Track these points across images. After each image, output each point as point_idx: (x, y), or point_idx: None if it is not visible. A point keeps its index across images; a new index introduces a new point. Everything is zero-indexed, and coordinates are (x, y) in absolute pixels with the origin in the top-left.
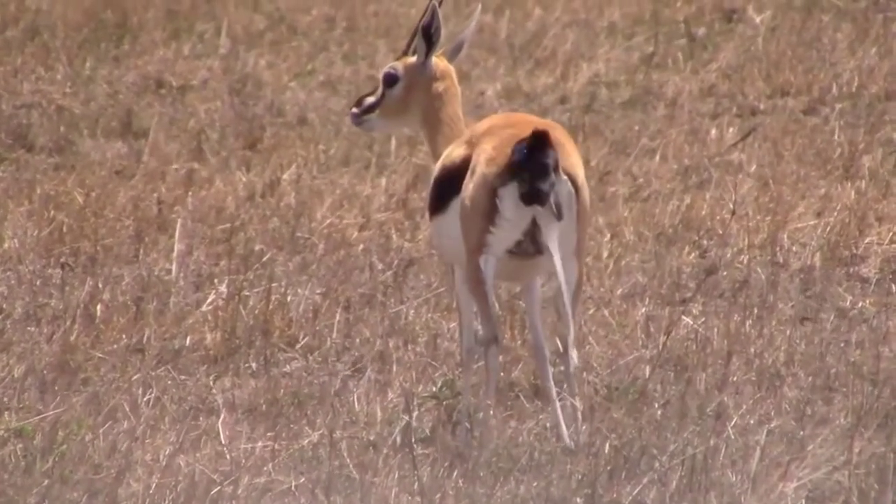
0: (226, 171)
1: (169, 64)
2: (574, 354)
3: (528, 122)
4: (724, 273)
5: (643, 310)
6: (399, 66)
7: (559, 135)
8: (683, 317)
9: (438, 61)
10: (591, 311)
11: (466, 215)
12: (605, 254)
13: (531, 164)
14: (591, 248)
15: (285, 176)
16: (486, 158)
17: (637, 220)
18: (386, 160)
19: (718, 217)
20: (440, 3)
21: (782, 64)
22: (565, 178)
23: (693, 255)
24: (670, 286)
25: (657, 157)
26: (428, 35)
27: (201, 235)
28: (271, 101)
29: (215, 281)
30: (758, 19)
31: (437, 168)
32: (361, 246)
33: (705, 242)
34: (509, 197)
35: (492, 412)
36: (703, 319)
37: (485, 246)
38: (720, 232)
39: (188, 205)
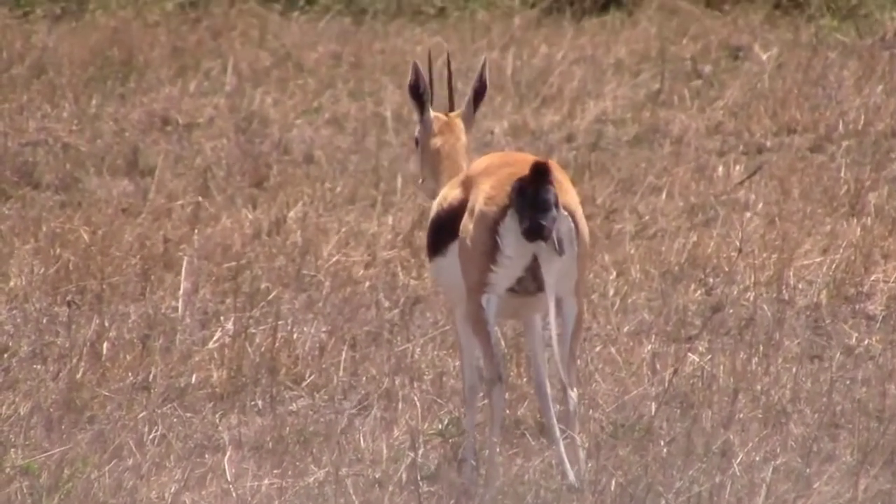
0: (232, 208)
1: (175, 101)
2: (574, 394)
3: (523, 161)
4: (731, 310)
5: (649, 347)
6: (416, 130)
7: (556, 171)
8: (689, 354)
9: (439, 116)
10: (597, 349)
11: (467, 255)
12: (612, 291)
13: (532, 199)
14: (597, 285)
15: (291, 213)
16: (486, 197)
17: (643, 257)
18: (392, 198)
19: (725, 255)
20: (430, 61)
21: (789, 101)
22: (565, 213)
23: (699, 292)
24: (676, 324)
25: (663, 195)
26: (416, 94)
27: (207, 273)
28: (278, 139)
29: (221, 318)
30: (764, 57)
31: (433, 211)
32: (367, 284)
33: (711, 280)
34: (511, 234)
35: (497, 450)
36: (709, 357)
37: (486, 285)
38: (726, 269)
39: (194, 242)
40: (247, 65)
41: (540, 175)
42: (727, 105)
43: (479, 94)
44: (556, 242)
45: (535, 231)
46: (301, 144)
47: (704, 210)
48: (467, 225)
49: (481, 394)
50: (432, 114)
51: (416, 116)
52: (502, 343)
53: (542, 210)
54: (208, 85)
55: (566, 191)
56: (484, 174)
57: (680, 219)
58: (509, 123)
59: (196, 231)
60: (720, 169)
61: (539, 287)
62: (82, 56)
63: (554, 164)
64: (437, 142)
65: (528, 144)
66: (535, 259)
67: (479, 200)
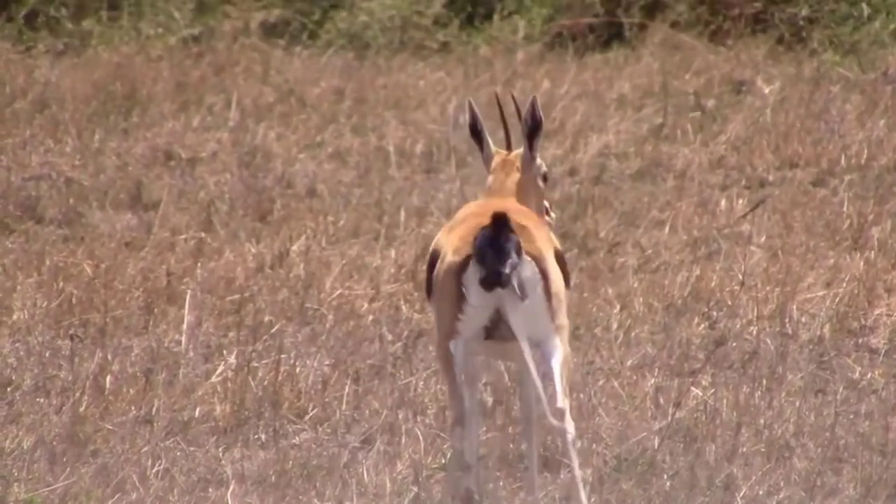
0: (235, 242)
1: (178, 136)
2: (570, 427)
3: (492, 210)
4: (734, 344)
5: (652, 381)
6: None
7: (523, 218)
8: (693, 388)
9: (501, 153)
10: (600, 382)
11: (438, 301)
12: (615, 325)
13: (491, 248)
14: (600, 318)
15: (294, 247)
16: (454, 248)
17: (646, 291)
18: (395, 231)
19: (728, 288)
20: (472, 107)
21: (791, 136)
22: (529, 259)
23: (702, 326)
24: (680, 357)
25: (666, 229)
26: (475, 132)
27: (211, 307)
28: (281, 173)
29: (224, 352)
30: (767, 91)
31: (430, 252)
32: (371, 317)
33: (715, 314)
34: (472, 283)
35: (501, 483)
36: (712, 391)
37: (455, 332)
38: (729, 303)
39: (197, 276)
40: (250, 100)
41: (499, 224)
42: (730, 139)
43: (533, 131)
44: (516, 288)
45: (491, 280)
46: (304, 179)
47: (707, 244)
48: (439, 272)
49: (483, 427)
50: (493, 149)
51: (482, 153)
52: (506, 377)
53: (500, 259)
54: (211, 120)
55: (532, 237)
56: (459, 222)
57: (683, 252)
58: None
59: (199, 265)
60: (723, 203)
61: (513, 334)
62: (85, 91)
63: (526, 212)
64: (489, 179)
65: None
66: (500, 307)
67: (449, 250)
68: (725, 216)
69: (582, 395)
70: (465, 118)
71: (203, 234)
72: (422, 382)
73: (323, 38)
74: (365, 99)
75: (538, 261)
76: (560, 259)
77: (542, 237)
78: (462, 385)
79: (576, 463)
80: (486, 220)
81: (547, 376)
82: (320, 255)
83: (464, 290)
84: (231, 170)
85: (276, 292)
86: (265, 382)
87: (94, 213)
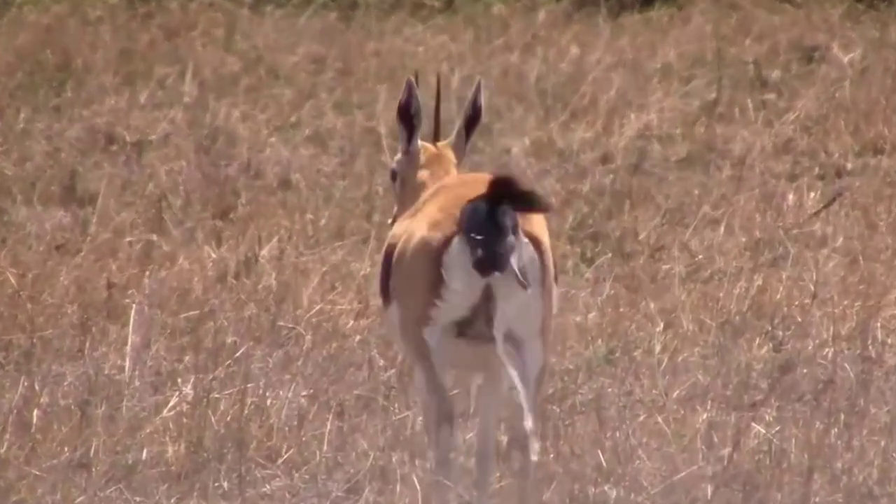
0: (191, 245)
1: (122, 115)
2: (535, 449)
3: (481, 182)
4: (804, 371)
5: (704, 416)
6: (395, 161)
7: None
8: (754, 424)
9: (427, 147)
10: (640, 418)
11: (405, 288)
12: (658, 347)
13: (487, 224)
14: (640, 340)
15: (264, 252)
16: (430, 222)
17: (697, 305)
18: (387, 232)
19: (797, 302)
20: (416, 78)
21: (874, 114)
22: (526, 240)
23: (766, 348)
24: (737, 387)
25: (721, 229)
26: (407, 117)
27: (161, 325)
28: (247, 160)
29: (178, 381)
30: (845, 59)
31: (383, 249)
32: (358, 338)
33: (781, 333)
34: (458, 265)
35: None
36: (777, 427)
37: (428, 318)
38: (799, 320)
39: (145, 287)
40: (210, 71)
41: (498, 194)
42: (799, 118)
43: (472, 121)
44: (517, 273)
45: (489, 261)
46: (276, 167)
47: (772, 247)
48: (405, 253)
49: (497, 473)
50: (420, 143)
51: (399, 144)
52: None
53: (498, 236)
54: (163, 95)
55: (528, 217)
56: (432, 197)
57: (742, 258)
58: (532, 141)
59: (147, 273)
60: (791, 197)
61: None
62: (8, 60)
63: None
64: (423, 175)
65: (554, 167)
66: (486, 296)
67: (422, 226)
68: (794, 213)
69: (618, 434)
70: (469, 94)
71: (152, 236)
72: (419, 418)
73: None
74: (351, 70)
75: (536, 242)
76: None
77: (536, 216)
78: (443, 375)
79: (530, 489)
80: (471, 193)
81: (523, 381)
82: (296, 262)
83: (443, 272)
84: (186, 156)
85: (242, 307)
86: (228, 417)
87: (18, 209)
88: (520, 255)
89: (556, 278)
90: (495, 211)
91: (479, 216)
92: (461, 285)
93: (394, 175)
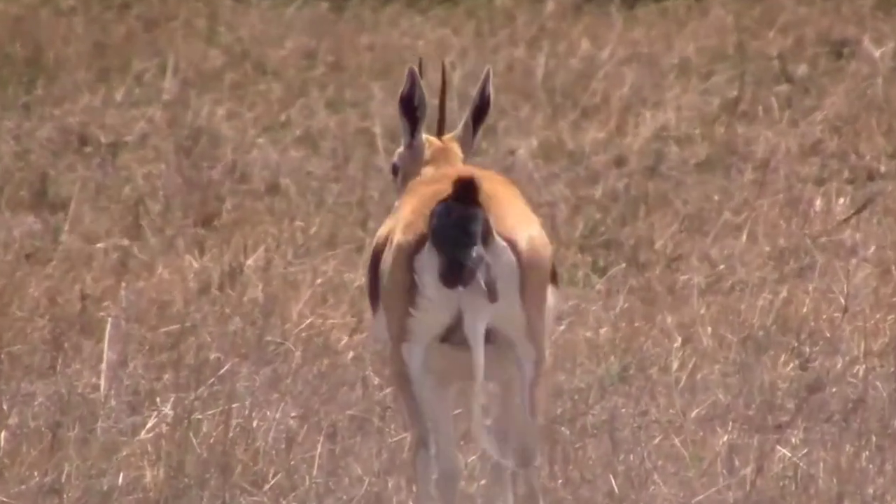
0: (171, 254)
1: (96, 114)
2: (535, 464)
3: (468, 173)
4: (833, 390)
5: (725, 438)
6: (397, 155)
7: (495, 186)
8: (778, 447)
9: (432, 140)
10: (656, 440)
11: (386, 295)
12: (675, 364)
13: (453, 231)
14: (656, 356)
15: (250, 261)
16: (405, 224)
17: (717, 319)
18: None
19: (825, 316)
20: (421, 68)
21: None
22: (503, 244)
23: (791, 365)
24: (761, 407)
25: (743, 237)
26: (410, 109)
27: (139, 340)
28: (232, 163)
29: (157, 400)
30: (876, 54)
31: (371, 250)
32: (351, 354)
33: (808, 349)
34: (427, 273)
35: None
36: (804, 450)
37: (407, 332)
38: (827, 335)
39: (121, 300)
40: (192, 65)
41: (464, 195)
42: (827, 118)
43: (480, 113)
44: (483, 285)
45: (452, 275)
46: (263, 170)
47: (798, 256)
48: (386, 257)
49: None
50: (424, 137)
51: (402, 138)
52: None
53: (462, 245)
54: (140, 92)
55: (504, 212)
56: (411, 193)
57: (765, 268)
58: (539, 141)
59: (124, 284)
60: (818, 202)
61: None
62: None
63: (496, 178)
64: (428, 172)
65: (564, 170)
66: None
67: (399, 227)
68: (822, 220)
69: (632, 457)
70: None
71: (129, 244)
72: None
73: None
74: (344, 65)
75: (513, 244)
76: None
77: (516, 211)
78: (423, 401)
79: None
80: (448, 188)
81: (521, 389)
82: (284, 272)
83: (416, 278)
84: (166, 158)
85: (226, 321)
86: (211, 440)
87: None
88: (491, 265)
89: (554, 277)
90: (463, 215)
91: (445, 221)
92: (432, 293)
93: (395, 170)
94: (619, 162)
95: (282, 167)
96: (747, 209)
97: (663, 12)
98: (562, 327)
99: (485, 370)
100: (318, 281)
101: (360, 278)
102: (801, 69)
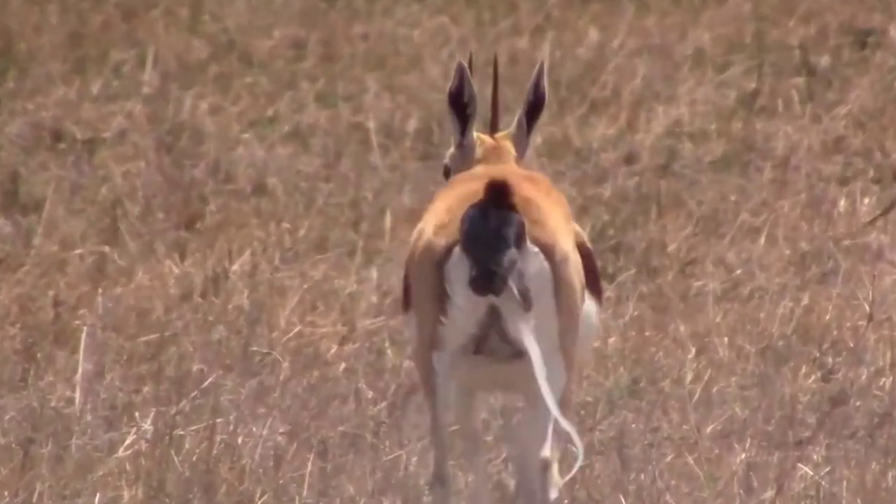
0: (151, 259)
1: (71, 108)
2: (556, 478)
3: (503, 174)
4: (858, 403)
5: (743, 455)
6: (448, 155)
7: (531, 189)
8: (800, 465)
9: (484, 139)
10: (668, 458)
11: (416, 299)
12: (689, 377)
13: (485, 236)
14: (668, 367)
15: (235, 267)
16: (436, 224)
17: (734, 328)
18: (377, 243)
19: (849, 324)
20: (471, 64)
21: None
22: (535, 249)
23: (813, 377)
24: (781, 422)
25: (762, 240)
26: (460, 105)
27: (116, 350)
28: (216, 161)
29: (136, 415)
30: None
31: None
32: (343, 366)
33: (830, 360)
34: (458, 280)
35: None
36: (827, 468)
37: (438, 341)
38: (851, 345)
39: (98, 307)
40: (173, 56)
41: (497, 199)
42: (852, 112)
43: (534, 108)
44: (517, 293)
45: (483, 282)
46: (249, 169)
47: (820, 261)
48: (413, 257)
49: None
50: (476, 135)
51: (454, 136)
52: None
53: (493, 251)
54: (118, 85)
55: (542, 216)
56: (448, 189)
57: (786, 273)
58: (545, 138)
59: (100, 291)
60: (842, 202)
61: (514, 349)
62: None
63: (538, 179)
64: (478, 171)
65: (571, 168)
66: (493, 313)
67: (429, 228)
68: (846, 221)
69: (643, 476)
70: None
71: (106, 248)
72: (415, 457)
73: None
74: (335, 55)
75: (548, 250)
76: (585, 255)
77: (556, 216)
78: (445, 418)
79: None
80: (482, 188)
81: (539, 412)
82: (271, 278)
83: (446, 285)
84: (146, 156)
85: (210, 330)
86: (194, 457)
87: None
88: (523, 271)
89: (598, 292)
90: (496, 219)
91: (477, 226)
92: (462, 300)
93: (447, 171)
94: (630, 160)
95: (269, 165)
96: (766, 210)
97: (676, 0)
98: (579, 327)
99: (512, 384)
100: (307, 287)
101: (352, 284)
102: (824, 60)
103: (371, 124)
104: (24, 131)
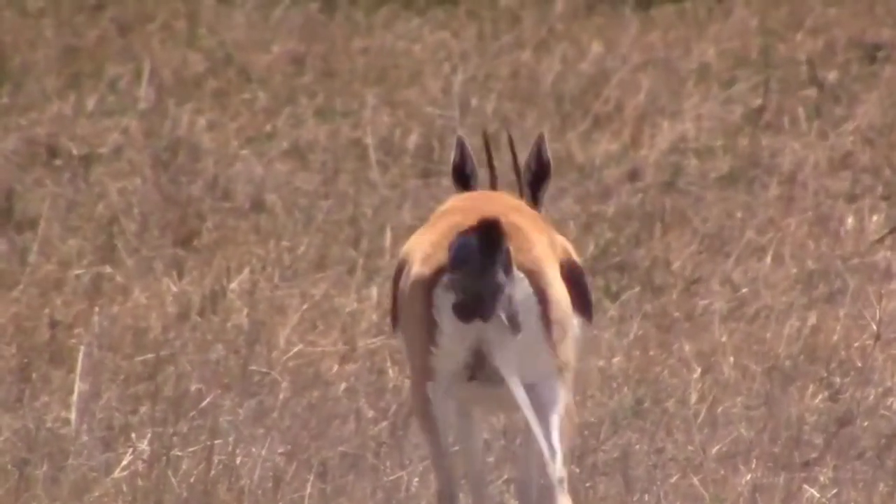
0: (148, 277)
1: (66, 124)
2: (564, 500)
3: (487, 203)
4: (865, 424)
5: (748, 476)
6: None
7: (518, 218)
8: (806, 486)
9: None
10: (673, 479)
11: (406, 328)
12: (694, 397)
13: (473, 263)
14: (673, 388)
15: (234, 285)
16: (423, 255)
17: (740, 347)
18: (377, 262)
19: (856, 344)
20: (486, 140)
21: None
22: (521, 275)
23: (820, 397)
24: (787, 443)
25: (768, 258)
26: (463, 178)
27: (113, 370)
28: (213, 177)
29: (133, 435)
30: None
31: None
32: (343, 385)
33: (838, 380)
34: (444, 307)
35: None
36: (834, 490)
37: (431, 371)
38: (859, 365)
39: (94, 326)
40: (170, 71)
41: (486, 230)
42: (860, 128)
43: (538, 178)
44: (504, 319)
45: (469, 307)
46: (247, 185)
47: (827, 279)
48: (404, 289)
49: None
50: None
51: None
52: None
53: (483, 279)
54: (115, 100)
55: (529, 243)
56: (433, 221)
57: (792, 292)
58: None
59: (97, 310)
60: (850, 220)
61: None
62: None
63: (523, 208)
64: (471, 198)
65: (573, 184)
66: (481, 339)
67: (416, 258)
68: (853, 239)
69: (647, 497)
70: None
71: (102, 266)
72: (416, 479)
73: None
74: (335, 70)
75: (533, 277)
76: (575, 274)
77: (541, 243)
78: (447, 445)
79: None
80: (468, 219)
81: (542, 431)
82: (270, 296)
83: (434, 313)
84: (142, 172)
85: (208, 349)
86: (192, 479)
87: None
88: (510, 297)
89: (588, 310)
90: (485, 246)
91: (465, 253)
92: (449, 328)
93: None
94: (634, 176)
95: (267, 182)
96: (772, 228)
97: (682, 13)
98: (572, 347)
99: (512, 405)
100: (307, 305)
101: (352, 303)
102: (832, 75)
103: (370, 140)
104: (18, 147)
